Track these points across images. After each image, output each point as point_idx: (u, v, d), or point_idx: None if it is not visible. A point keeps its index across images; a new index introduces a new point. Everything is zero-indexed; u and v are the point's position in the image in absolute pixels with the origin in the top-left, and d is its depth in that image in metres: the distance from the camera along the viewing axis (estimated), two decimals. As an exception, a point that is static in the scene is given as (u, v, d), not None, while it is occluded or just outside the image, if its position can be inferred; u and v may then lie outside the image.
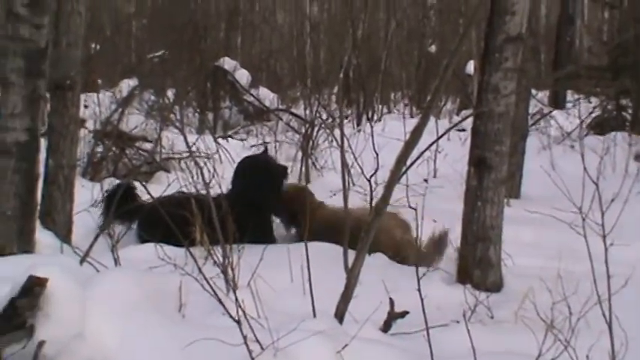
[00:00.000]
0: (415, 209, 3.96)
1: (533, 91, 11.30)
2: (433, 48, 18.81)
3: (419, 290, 3.37)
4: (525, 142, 8.86)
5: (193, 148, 8.67)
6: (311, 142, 10.03)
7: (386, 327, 3.97)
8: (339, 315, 3.81)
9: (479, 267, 5.07)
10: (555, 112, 12.87)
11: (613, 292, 3.19)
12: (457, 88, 15.91)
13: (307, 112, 11.94)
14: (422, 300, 3.37)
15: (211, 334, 3.22)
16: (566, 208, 3.83)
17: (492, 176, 5.08)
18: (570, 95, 15.54)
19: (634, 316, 3.71)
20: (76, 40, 5.72)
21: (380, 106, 17.37)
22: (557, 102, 15.17)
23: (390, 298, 4.01)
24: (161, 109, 11.10)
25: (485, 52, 5.22)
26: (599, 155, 4.19)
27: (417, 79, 18.80)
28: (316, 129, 10.22)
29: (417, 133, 3.92)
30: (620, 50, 12.01)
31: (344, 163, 4.33)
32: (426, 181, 8.86)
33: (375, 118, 15.84)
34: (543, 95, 15.54)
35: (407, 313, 3.97)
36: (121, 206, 5.60)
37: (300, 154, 9.88)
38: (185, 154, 9.03)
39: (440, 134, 4.91)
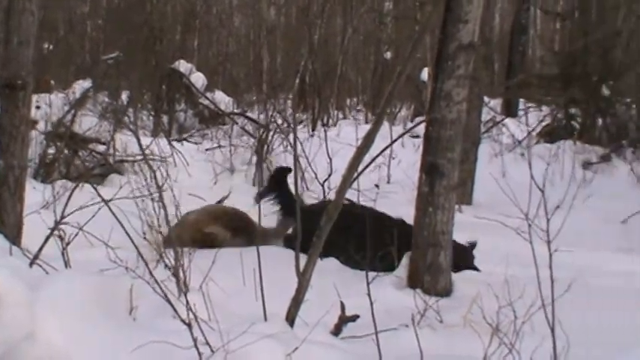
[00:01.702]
0: (365, 214, 4.01)
1: (486, 99, 11.44)
2: (389, 54, 18.95)
3: (369, 294, 3.40)
4: (477, 150, 8.97)
5: (147, 151, 8.63)
6: (266, 147, 10.05)
7: (337, 330, 4.00)
8: (290, 318, 3.83)
9: (429, 272, 5.12)
10: (507, 120, 13.05)
11: (556, 297, 3.25)
12: (412, 95, 16.04)
13: (263, 116, 11.95)
14: (372, 304, 3.40)
15: (162, 337, 3.22)
16: (513, 215, 3.89)
17: (444, 182, 5.14)
18: (523, 104, 15.75)
19: (576, 320, 3.79)
20: (28, 38, 5.65)
21: (335, 112, 17.44)
22: (510, 110, 15.36)
23: (341, 302, 4.04)
24: (115, 111, 11.03)
25: (438, 60, 5.28)
26: (547, 163, 4.26)
27: (372, 85, 18.93)
28: (271, 133, 10.25)
29: (368, 139, 3.96)
30: (570, 60, 12.24)
31: (297, 168, 4.35)
32: (377, 186, 8.93)
33: (331, 123, 15.91)
34: (496, 103, 15.76)
35: (357, 316, 4.00)
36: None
37: (255, 158, 9.89)
38: (139, 157, 8.97)
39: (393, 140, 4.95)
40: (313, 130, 14.04)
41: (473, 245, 6.19)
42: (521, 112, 14.97)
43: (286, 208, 6.69)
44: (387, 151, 9.64)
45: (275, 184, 6.94)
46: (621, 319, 4.50)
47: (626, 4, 13.03)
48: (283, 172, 7.08)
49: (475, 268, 6.02)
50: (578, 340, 3.45)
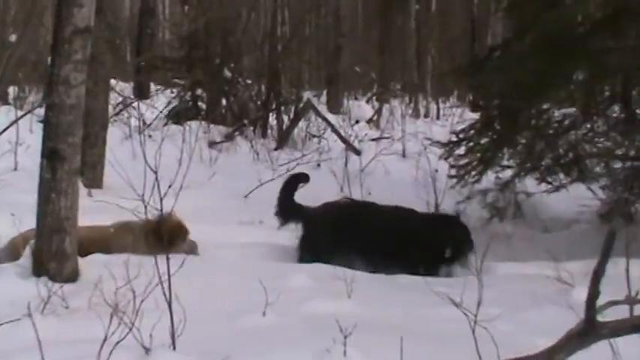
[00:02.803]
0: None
1: (115, 83, 11.42)
2: (13, 37, 18.10)
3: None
4: (106, 133, 8.94)
5: None
6: None
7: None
8: None
9: (55, 259, 5.05)
10: (139, 103, 13.12)
11: (172, 273, 3.43)
12: (40, 80, 15.52)
13: None
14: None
15: None
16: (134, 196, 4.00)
17: (66, 167, 5.08)
18: (154, 86, 15.94)
19: (193, 293, 4.01)
20: None
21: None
22: (142, 93, 15.52)
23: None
24: None
25: (55, 44, 5.20)
26: (159, 145, 4.38)
27: (-2, 68, 18.00)
28: None
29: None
30: (193, 43, 12.62)
31: None
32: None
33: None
34: (127, 87, 15.88)
35: (-27, 312, 3.87)
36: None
37: None
38: None
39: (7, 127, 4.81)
40: None
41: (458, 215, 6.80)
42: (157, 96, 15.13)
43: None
44: (13, 138, 9.33)
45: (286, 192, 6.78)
46: (237, 289, 4.84)
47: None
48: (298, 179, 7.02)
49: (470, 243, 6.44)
50: (196, 311, 3.68)
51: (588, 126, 8.07)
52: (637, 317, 2.59)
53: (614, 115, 8.05)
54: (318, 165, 10.23)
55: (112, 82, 11.34)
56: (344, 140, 11.23)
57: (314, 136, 12.18)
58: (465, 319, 3.27)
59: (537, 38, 7.10)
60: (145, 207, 3.54)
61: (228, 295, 4.69)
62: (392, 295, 5.14)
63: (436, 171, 8.61)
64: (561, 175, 8.21)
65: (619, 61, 7.36)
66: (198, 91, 12.53)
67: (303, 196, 8.61)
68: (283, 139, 11.65)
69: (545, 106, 8.17)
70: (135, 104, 12.57)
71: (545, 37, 6.91)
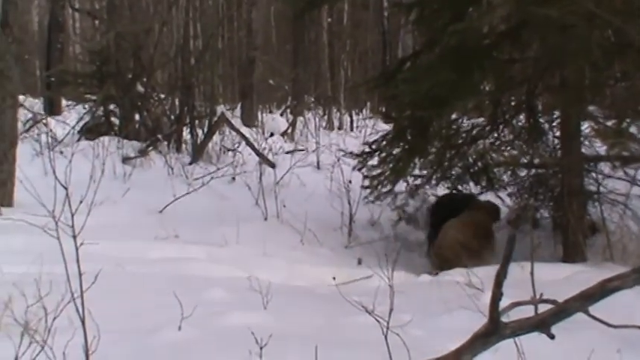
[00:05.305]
0: None
1: (23, 98, 11.19)
2: None
3: None
4: (16, 150, 8.77)
5: None
6: None
7: None
8: None
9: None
10: (49, 119, 12.87)
11: (85, 289, 3.40)
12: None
13: None
14: None
15: None
16: (45, 213, 3.95)
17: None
18: (67, 102, 15.66)
19: (108, 309, 3.98)
20: None
21: None
22: (53, 108, 15.26)
23: None
24: None
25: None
26: (69, 160, 4.32)
27: None
28: None
29: None
30: (104, 58, 12.45)
31: None
32: None
33: None
34: (39, 102, 15.60)
35: None
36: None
37: None
38: None
39: None
40: None
41: None
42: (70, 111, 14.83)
43: None
44: None
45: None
46: (153, 304, 4.82)
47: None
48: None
49: None
50: (111, 327, 3.65)
51: (495, 135, 8.32)
52: (537, 317, 2.70)
53: (520, 124, 8.31)
54: (233, 179, 10.23)
55: (21, 97, 11.14)
56: (258, 153, 11.25)
57: (228, 149, 12.15)
58: (378, 325, 3.34)
59: (445, 50, 7.26)
60: (56, 223, 3.48)
61: (143, 311, 4.67)
62: (307, 305, 5.20)
63: (350, 182, 8.71)
64: (471, 184, 8.44)
65: (523, 71, 7.62)
66: (111, 107, 12.36)
67: (219, 210, 8.64)
68: (198, 153, 11.58)
69: (454, 116, 8.38)
70: (45, 120, 12.33)
71: (452, 48, 7.06)
